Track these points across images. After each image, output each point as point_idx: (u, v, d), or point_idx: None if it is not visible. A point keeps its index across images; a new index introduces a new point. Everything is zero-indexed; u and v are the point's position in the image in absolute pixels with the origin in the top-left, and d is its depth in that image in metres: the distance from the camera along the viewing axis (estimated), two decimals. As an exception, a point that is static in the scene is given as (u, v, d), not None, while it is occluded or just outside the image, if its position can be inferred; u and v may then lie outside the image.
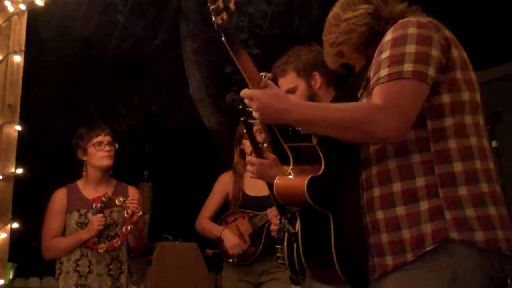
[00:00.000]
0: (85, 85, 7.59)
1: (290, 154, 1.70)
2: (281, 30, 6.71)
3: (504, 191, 1.61)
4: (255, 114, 1.59)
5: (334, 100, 1.88)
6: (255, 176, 2.48)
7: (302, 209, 1.67)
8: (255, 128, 2.48)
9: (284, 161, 2.34)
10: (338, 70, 1.87)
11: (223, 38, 1.53)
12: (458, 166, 1.50)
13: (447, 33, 1.59)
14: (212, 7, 1.49)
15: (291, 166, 1.70)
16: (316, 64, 2.40)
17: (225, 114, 6.73)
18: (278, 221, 2.43)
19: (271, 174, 2.38)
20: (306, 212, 1.61)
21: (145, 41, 7.15)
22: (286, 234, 2.33)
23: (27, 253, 4.22)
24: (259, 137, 2.51)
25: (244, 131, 2.51)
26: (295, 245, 2.24)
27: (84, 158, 3.24)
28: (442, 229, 1.46)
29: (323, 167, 1.59)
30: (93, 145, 3.19)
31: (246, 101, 1.60)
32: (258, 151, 2.44)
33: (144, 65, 7.87)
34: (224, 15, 1.49)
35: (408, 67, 1.49)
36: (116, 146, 3.27)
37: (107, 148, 3.21)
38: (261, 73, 1.58)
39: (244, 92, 1.59)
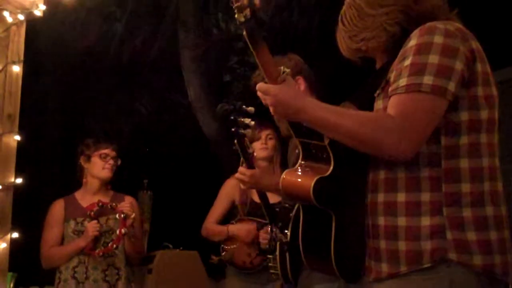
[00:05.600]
0: (84, 94, 7.60)
1: (300, 149, 1.68)
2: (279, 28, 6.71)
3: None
4: (271, 109, 1.58)
5: (352, 97, 1.83)
6: (246, 187, 2.47)
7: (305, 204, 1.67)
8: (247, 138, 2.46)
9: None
10: (354, 60, 1.77)
11: (244, 33, 1.50)
12: (466, 187, 1.47)
13: (474, 44, 1.51)
14: (237, 4, 1.45)
15: (299, 161, 1.69)
16: (298, 70, 2.40)
17: (223, 123, 6.73)
18: (268, 230, 2.42)
19: (263, 184, 2.39)
20: (310, 206, 1.61)
21: (144, 50, 7.16)
22: (278, 244, 2.31)
23: (27, 263, 4.21)
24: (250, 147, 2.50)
25: (235, 141, 2.50)
26: (287, 254, 2.23)
27: (86, 166, 3.32)
28: (442, 248, 1.44)
29: (331, 167, 1.58)
30: (99, 155, 3.29)
31: (259, 94, 1.58)
32: (248, 162, 2.43)
33: (143, 73, 7.89)
34: (248, 12, 1.45)
35: (428, 79, 1.43)
36: (119, 162, 3.36)
37: (111, 161, 3.31)
38: (280, 67, 1.56)
39: (261, 87, 1.57)
